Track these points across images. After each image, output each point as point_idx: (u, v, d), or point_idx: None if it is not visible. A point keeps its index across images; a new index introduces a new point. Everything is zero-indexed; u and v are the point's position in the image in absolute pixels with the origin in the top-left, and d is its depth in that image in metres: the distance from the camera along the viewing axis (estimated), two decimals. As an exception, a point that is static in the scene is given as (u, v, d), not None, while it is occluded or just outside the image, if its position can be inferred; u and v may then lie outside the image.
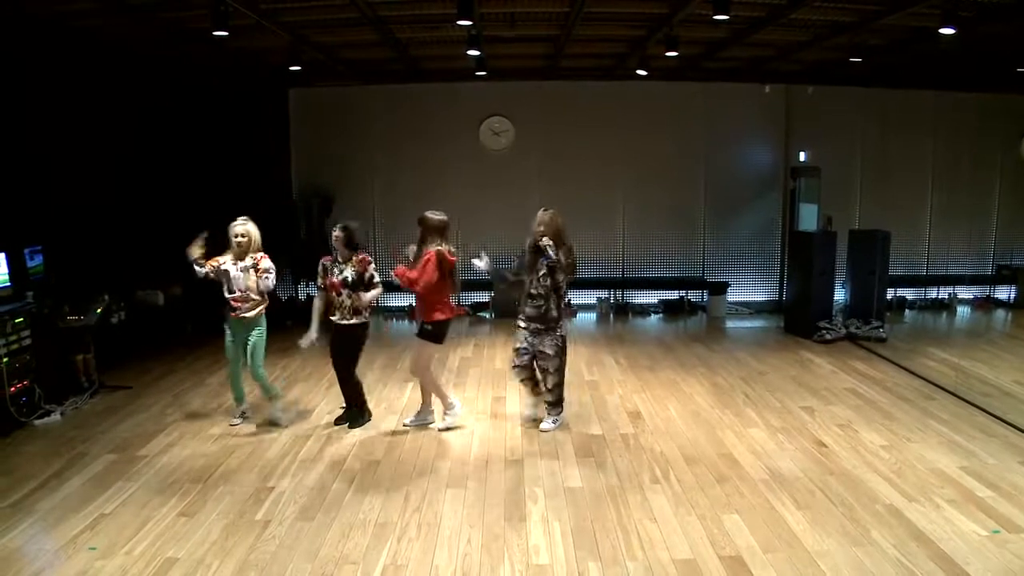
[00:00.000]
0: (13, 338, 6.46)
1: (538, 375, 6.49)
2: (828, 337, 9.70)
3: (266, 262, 6.37)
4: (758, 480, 5.37)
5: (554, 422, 6.44)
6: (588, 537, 4.55)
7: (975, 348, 9.32)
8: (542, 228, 6.10)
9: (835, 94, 11.48)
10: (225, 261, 6.32)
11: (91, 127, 8.28)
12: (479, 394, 7.57)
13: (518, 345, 6.39)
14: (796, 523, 4.69)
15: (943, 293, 12.31)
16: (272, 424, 6.51)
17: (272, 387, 6.67)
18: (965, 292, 12.37)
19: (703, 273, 12.05)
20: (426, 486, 5.35)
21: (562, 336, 6.35)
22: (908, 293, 12.19)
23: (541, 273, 6.14)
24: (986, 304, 12.22)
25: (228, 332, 6.42)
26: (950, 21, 6.66)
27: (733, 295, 11.93)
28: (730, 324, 11.28)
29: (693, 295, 12.12)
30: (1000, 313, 11.89)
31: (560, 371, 6.39)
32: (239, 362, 6.46)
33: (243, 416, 6.63)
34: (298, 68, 8.91)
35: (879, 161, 11.83)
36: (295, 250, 11.23)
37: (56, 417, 6.71)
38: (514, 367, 6.48)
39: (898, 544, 4.38)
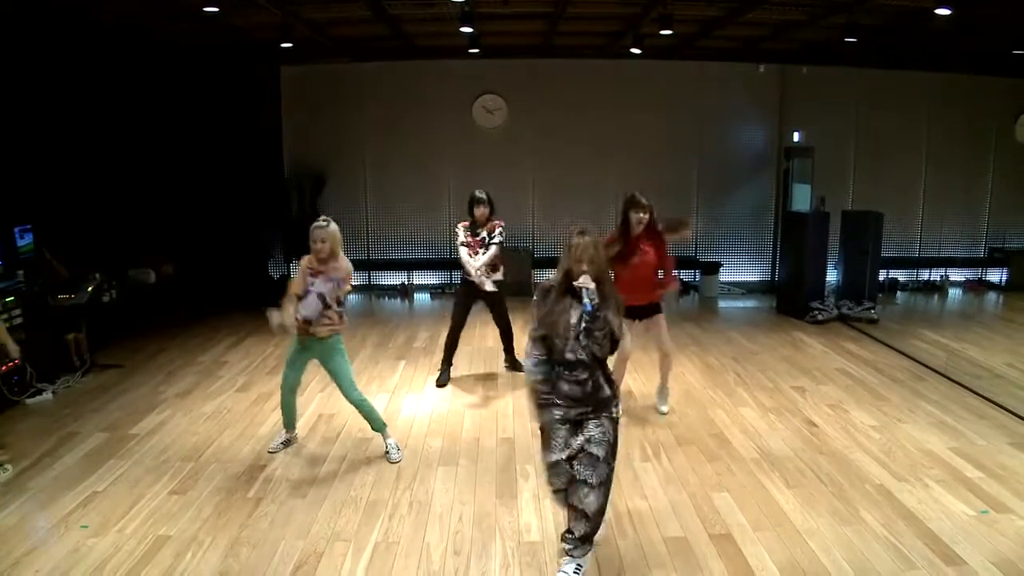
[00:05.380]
0: (4, 317, 6.43)
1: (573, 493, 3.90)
2: (820, 318, 9.73)
3: (346, 264, 5.31)
4: (749, 459, 5.40)
5: (577, 571, 3.92)
6: (579, 515, 4.56)
7: (966, 330, 9.35)
8: (585, 266, 3.80)
9: (830, 74, 11.43)
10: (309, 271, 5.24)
11: (81, 105, 8.20)
12: (471, 373, 7.58)
13: (555, 457, 3.91)
14: (786, 502, 4.72)
15: (935, 275, 12.33)
16: (388, 460, 5.46)
17: (378, 415, 5.57)
18: (957, 274, 12.39)
19: (696, 253, 12.04)
20: (417, 464, 5.36)
21: (616, 422, 3.93)
22: (900, 275, 12.20)
23: (580, 329, 3.80)
24: (978, 286, 12.25)
25: (293, 349, 5.43)
26: (946, 1, 6.63)
27: (726, 275, 11.94)
28: (722, 304, 11.30)
29: (686, 275, 12.11)
30: (992, 295, 11.92)
31: (608, 484, 3.88)
32: (297, 382, 5.55)
33: (286, 444, 5.67)
34: (290, 45, 8.83)
35: (873, 142, 11.80)
36: (286, 228, 11.20)
37: (48, 396, 6.70)
38: (556, 492, 4.03)
39: (887, 523, 4.42)
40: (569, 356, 3.83)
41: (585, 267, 3.80)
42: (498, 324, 7.40)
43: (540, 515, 4.59)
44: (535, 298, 4.00)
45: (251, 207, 10.78)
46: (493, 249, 7.00)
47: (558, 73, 11.47)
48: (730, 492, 4.88)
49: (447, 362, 7.29)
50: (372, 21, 8.78)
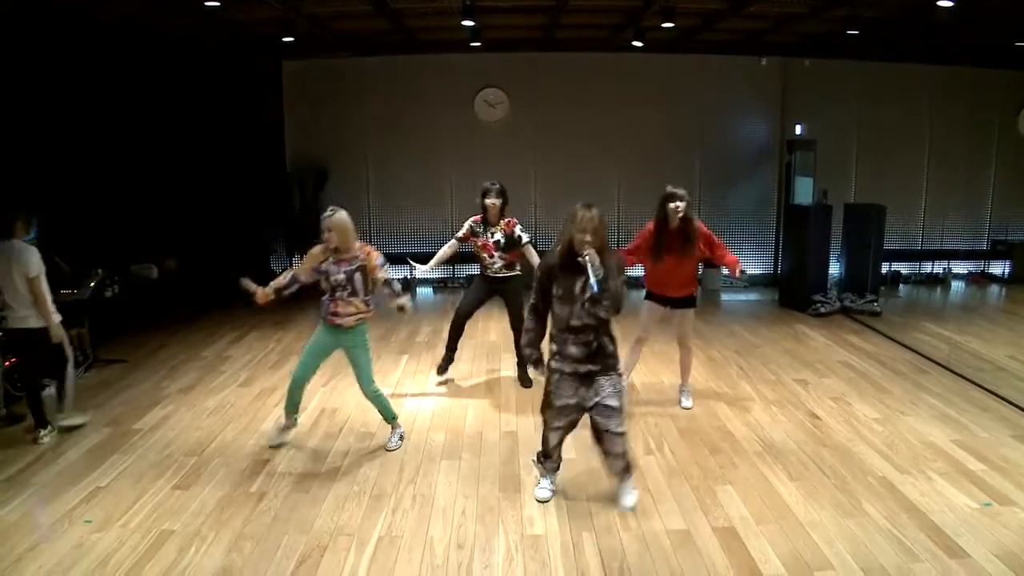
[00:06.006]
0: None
1: (602, 443, 4.51)
2: (823, 310, 9.72)
3: (378, 258, 5.26)
4: (751, 452, 5.40)
5: (631, 491, 4.57)
6: (582, 508, 4.57)
7: (969, 323, 9.34)
8: (588, 237, 4.12)
9: (832, 67, 11.40)
10: (326, 259, 5.23)
11: (81, 102, 8.18)
12: (473, 366, 7.58)
13: (563, 401, 4.40)
14: (789, 494, 4.72)
15: (938, 268, 12.32)
16: (386, 450, 5.53)
17: (390, 407, 5.60)
18: (960, 267, 12.39)
19: (698, 247, 12.02)
20: (420, 458, 5.36)
21: (620, 375, 4.50)
22: (903, 267, 12.19)
23: (586, 298, 4.19)
24: (981, 279, 12.24)
25: (318, 335, 5.41)
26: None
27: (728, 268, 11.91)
28: (725, 297, 11.29)
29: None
30: (994, 288, 11.91)
31: (625, 425, 4.47)
32: (312, 370, 5.50)
33: (285, 430, 5.64)
34: (291, 39, 8.82)
35: (875, 135, 11.78)
36: (289, 223, 11.21)
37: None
38: (554, 428, 4.54)
39: (890, 516, 4.42)
40: (575, 323, 4.26)
41: (589, 237, 4.10)
42: (513, 326, 6.79)
43: (543, 508, 4.58)
44: (537, 271, 4.43)
45: (253, 202, 10.78)
46: (534, 254, 6.46)
47: (560, 67, 11.46)
48: (733, 485, 4.88)
49: (451, 349, 7.01)
50: (373, 15, 8.77)
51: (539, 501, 4.65)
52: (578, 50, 11.21)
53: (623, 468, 4.51)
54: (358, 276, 5.19)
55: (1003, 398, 6.46)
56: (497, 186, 6.58)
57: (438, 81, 11.49)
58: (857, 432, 5.75)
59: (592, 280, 4.00)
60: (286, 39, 8.76)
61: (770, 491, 4.79)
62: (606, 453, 4.48)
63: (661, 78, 11.56)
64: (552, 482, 4.74)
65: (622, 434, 4.41)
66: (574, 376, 4.34)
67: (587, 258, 4.05)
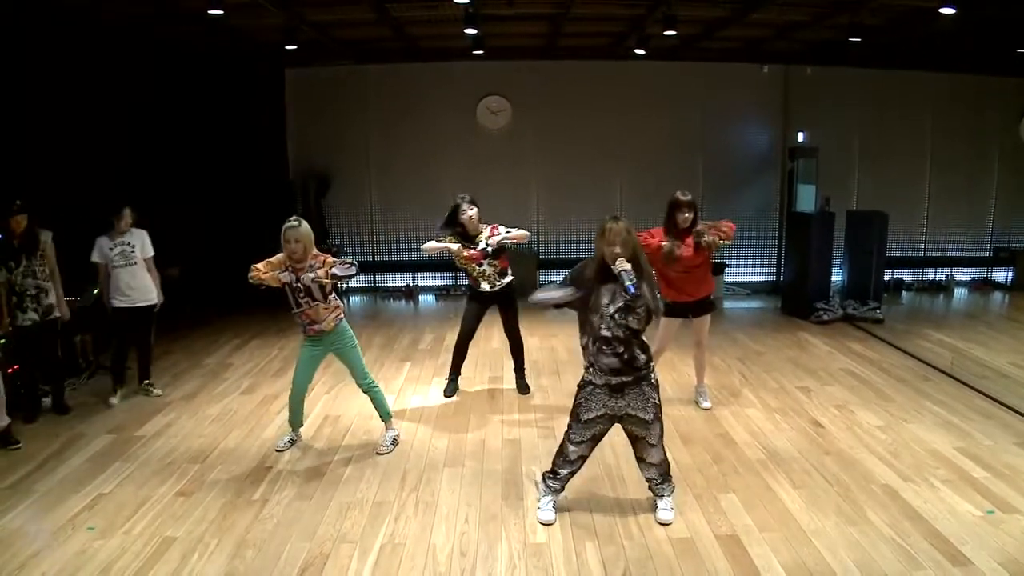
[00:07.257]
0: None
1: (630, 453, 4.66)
2: (825, 318, 9.71)
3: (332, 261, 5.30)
4: (754, 460, 5.39)
5: (670, 505, 4.58)
6: (585, 516, 4.57)
7: (972, 330, 9.33)
8: (618, 249, 4.16)
9: (834, 75, 11.41)
10: (285, 270, 5.27)
11: (83, 106, 8.20)
12: (476, 374, 7.57)
13: (591, 414, 4.38)
14: (792, 502, 4.71)
15: (941, 275, 12.31)
16: (376, 452, 5.59)
17: (386, 403, 5.72)
18: (963, 274, 12.38)
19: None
20: (423, 466, 5.36)
21: (657, 384, 4.47)
22: (906, 274, 12.18)
23: (616, 308, 4.21)
24: (984, 286, 12.23)
25: (306, 350, 5.48)
26: (950, 1, 6.63)
27: (730, 276, 11.92)
28: (727, 305, 11.28)
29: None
30: (997, 295, 11.89)
31: (662, 436, 4.48)
32: (308, 381, 5.61)
33: (291, 443, 5.70)
34: (294, 47, 8.85)
35: (877, 142, 11.79)
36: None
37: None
38: (575, 443, 4.48)
39: (893, 524, 4.41)
40: (605, 333, 4.23)
41: (618, 249, 4.15)
42: (508, 335, 6.85)
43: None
44: (571, 272, 4.40)
45: (256, 209, 10.78)
46: (518, 231, 6.47)
47: (562, 74, 11.48)
48: (736, 493, 4.87)
49: (455, 371, 6.99)
50: (375, 24, 8.80)
51: (543, 523, 4.49)
52: (580, 58, 11.24)
53: (658, 479, 4.54)
54: (315, 284, 5.25)
55: (1006, 405, 6.44)
56: (467, 196, 6.48)
57: (440, 89, 11.52)
58: (860, 440, 5.74)
59: (627, 283, 4.04)
60: (289, 47, 8.79)
61: (773, 499, 4.78)
62: (639, 459, 4.54)
63: (663, 86, 11.58)
64: (555, 504, 4.61)
65: (655, 445, 4.43)
66: (606, 388, 4.31)
67: (619, 265, 4.11)
